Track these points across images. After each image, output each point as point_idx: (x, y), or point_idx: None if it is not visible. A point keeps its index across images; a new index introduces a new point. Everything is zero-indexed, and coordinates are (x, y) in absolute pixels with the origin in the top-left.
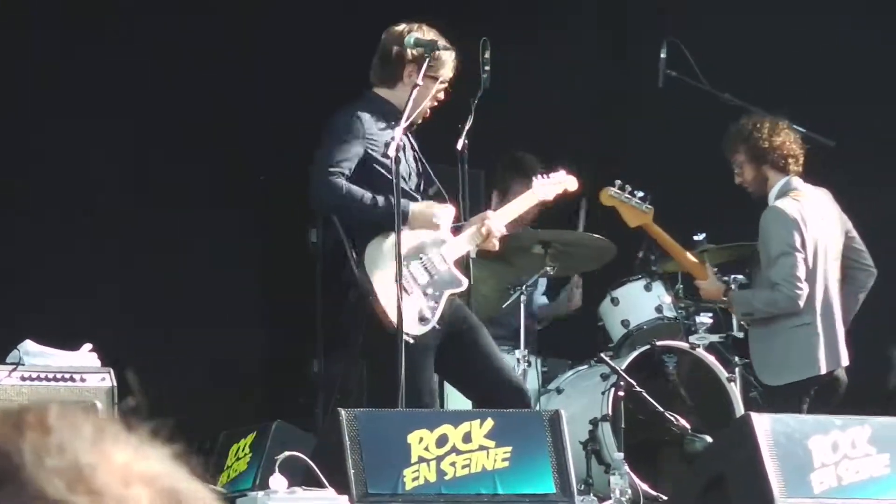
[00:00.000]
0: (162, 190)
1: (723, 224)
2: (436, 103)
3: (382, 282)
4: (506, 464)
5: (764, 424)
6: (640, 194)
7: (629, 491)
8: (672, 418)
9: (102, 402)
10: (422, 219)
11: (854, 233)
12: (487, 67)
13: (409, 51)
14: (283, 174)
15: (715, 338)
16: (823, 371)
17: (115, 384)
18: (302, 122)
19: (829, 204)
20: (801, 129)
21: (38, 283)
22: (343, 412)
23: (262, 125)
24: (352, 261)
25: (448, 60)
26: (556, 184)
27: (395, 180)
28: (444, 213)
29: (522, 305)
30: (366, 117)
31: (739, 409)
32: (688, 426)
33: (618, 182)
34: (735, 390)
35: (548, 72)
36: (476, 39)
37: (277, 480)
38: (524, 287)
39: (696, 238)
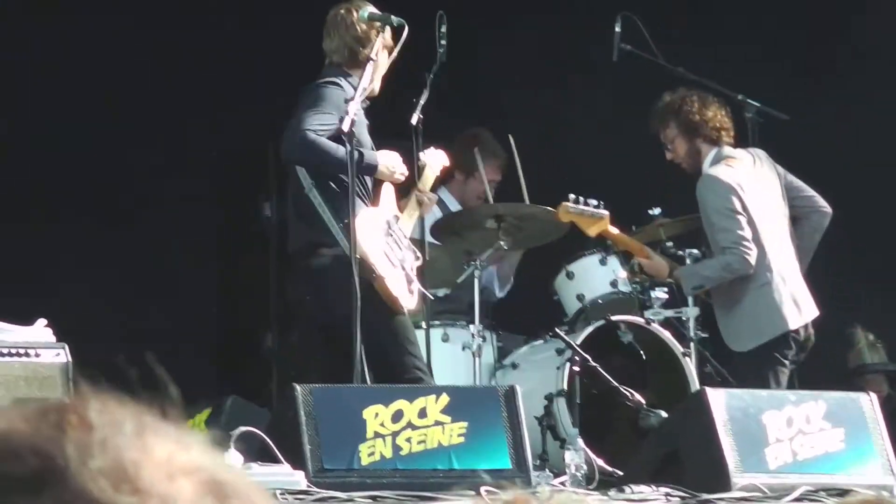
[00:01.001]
0: (114, 162)
1: (678, 197)
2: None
3: (376, 258)
4: (461, 439)
5: (719, 399)
6: (594, 202)
7: (584, 466)
8: (627, 393)
9: (57, 378)
10: (386, 169)
11: (796, 181)
12: (444, 41)
13: (360, 25)
14: (237, 147)
15: (670, 313)
16: (792, 327)
17: (69, 360)
18: (255, 98)
19: (765, 161)
20: (755, 102)
21: None
22: (298, 387)
23: (215, 99)
24: (338, 237)
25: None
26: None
27: (349, 160)
28: (398, 161)
29: (476, 280)
30: (345, 91)
31: (695, 385)
32: (643, 401)
33: (572, 196)
34: (690, 365)
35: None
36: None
37: (233, 456)
38: (478, 261)
39: (651, 212)
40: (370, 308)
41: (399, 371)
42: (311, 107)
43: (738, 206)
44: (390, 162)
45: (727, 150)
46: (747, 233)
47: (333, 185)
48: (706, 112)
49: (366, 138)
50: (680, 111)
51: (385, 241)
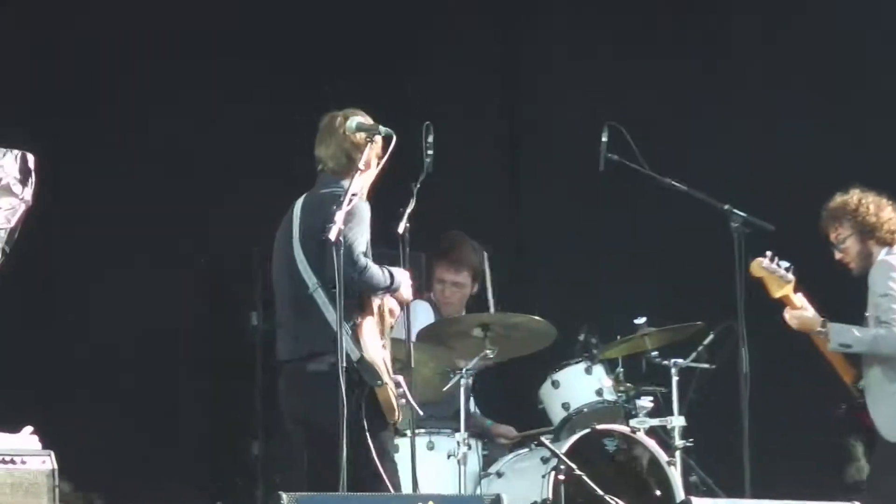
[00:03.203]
0: (109, 266)
1: (663, 307)
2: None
3: (381, 366)
4: None
5: None
6: (786, 264)
7: None
8: (613, 502)
9: (43, 485)
10: (404, 291)
11: None
12: (430, 151)
13: (350, 136)
14: (225, 256)
15: (655, 422)
16: None
17: (55, 466)
18: (242, 208)
19: None
20: (742, 213)
21: None
22: (284, 495)
23: (207, 209)
24: (348, 346)
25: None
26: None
27: (336, 265)
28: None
29: (462, 388)
30: None
31: (680, 494)
32: None
33: (769, 253)
34: (675, 474)
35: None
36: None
37: None
38: (464, 370)
39: (636, 322)
40: (367, 415)
41: (374, 484)
42: (357, 227)
43: None
44: (407, 283)
45: None
46: None
47: (335, 289)
48: (882, 214)
49: None
50: (856, 212)
51: (384, 352)
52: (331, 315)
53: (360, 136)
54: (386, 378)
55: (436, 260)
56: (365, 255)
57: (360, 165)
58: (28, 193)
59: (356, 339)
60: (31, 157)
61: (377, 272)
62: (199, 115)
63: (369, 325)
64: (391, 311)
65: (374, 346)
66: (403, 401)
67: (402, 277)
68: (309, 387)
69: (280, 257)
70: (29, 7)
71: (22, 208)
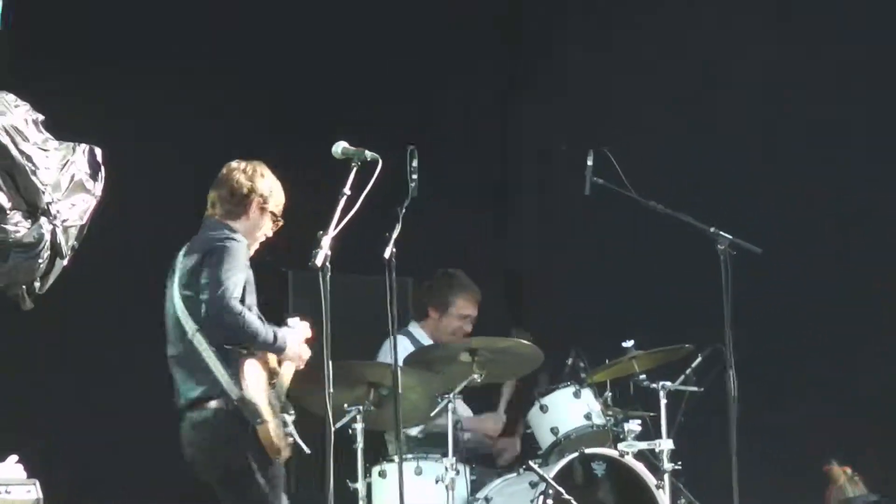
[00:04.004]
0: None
1: (651, 330)
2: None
3: (263, 405)
4: None
5: None
6: None
7: None
8: None
9: None
10: (293, 354)
11: None
12: (415, 176)
13: (237, 185)
14: None
15: (644, 445)
16: None
17: (40, 496)
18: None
19: None
20: (728, 235)
21: None
22: None
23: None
24: (227, 386)
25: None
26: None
27: (323, 291)
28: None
29: (450, 413)
30: None
31: None
32: None
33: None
34: (664, 497)
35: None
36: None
37: None
38: (452, 395)
39: (624, 345)
40: (252, 453)
41: None
42: (231, 269)
43: None
44: (298, 347)
45: None
46: None
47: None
48: None
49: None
50: None
51: (269, 391)
52: (211, 360)
53: (257, 187)
54: (267, 416)
55: (456, 295)
56: (241, 301)
57: (346, 189)
58: (98, 188)
59: (237, 379)
60: (98, 150)
61: (254, 323)
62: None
63: (252, 366)
64: (279, 362)
65: (256, 386)
66: (289, 442)
67: (291, 338)
68: (200, 435)
69: (167, 302)
70: None
71: (93, 203)
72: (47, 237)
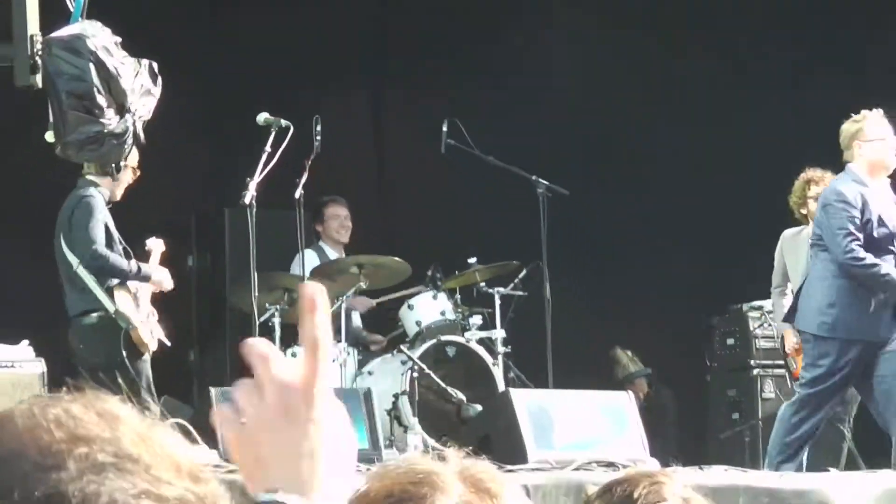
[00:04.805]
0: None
1: (489, 249)
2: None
3: (132, 315)
4: None
5: (520, 398)
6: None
7: (421, 445)
8: (452, 393)
9: (36, 383)
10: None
11: None
12: (319, 138)
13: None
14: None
15: (484, 334)
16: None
17: (45, 369)
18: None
19: None
20: (544, 181)
21: None
22: (213, 390)
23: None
24: (104, 301)
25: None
26: (158, 244)
27: (251, 224)
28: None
29: (343, 310)
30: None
31: (501, 386)
32: (464, 398)
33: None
34: (498, 372)
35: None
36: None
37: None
38: (344, 296)
39: (469, 261)
40: (126, 350)
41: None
42: (92, 222)
43: None
44: (158, 276)
45: None
46: None
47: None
48: None
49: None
50: None
51: (134, 304)
52: (91, 284)
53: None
54: (136, 323)
55: (325, 206)
56: (105, 245)
57: (267, 147)
58: (157, 91)
59: (111, 298)
60: (155, 64)
61: (118, 262)
62: None
63: (120, 291)
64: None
65: (125, 303)
66: (154, 338)
67: (155, 271)
68: (87, 336)
69: (55, 240)
70: None
71: (154, 103)
72: (131, 128)
